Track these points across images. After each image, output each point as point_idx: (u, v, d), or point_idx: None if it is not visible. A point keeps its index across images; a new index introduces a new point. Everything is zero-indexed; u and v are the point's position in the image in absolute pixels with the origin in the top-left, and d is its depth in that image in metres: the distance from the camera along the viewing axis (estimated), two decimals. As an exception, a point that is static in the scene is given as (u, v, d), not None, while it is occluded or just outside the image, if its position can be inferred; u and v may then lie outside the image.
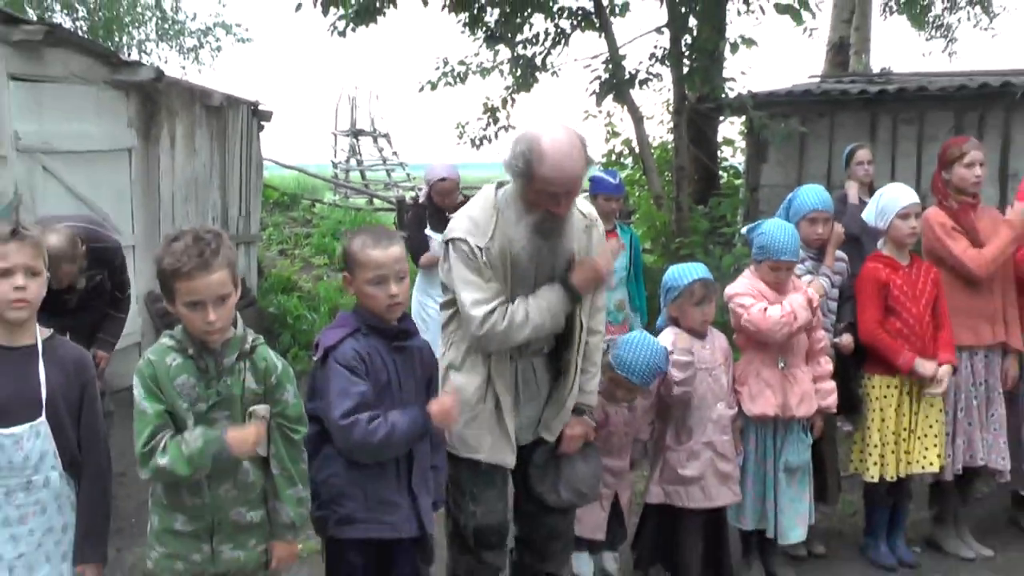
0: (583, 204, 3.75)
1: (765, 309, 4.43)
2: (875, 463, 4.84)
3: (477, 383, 3.59)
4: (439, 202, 6.84)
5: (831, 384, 4.69)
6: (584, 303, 3.68)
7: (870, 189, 6.68)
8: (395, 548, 3.40)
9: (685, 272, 4.43)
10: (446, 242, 3.57)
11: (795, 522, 4.64)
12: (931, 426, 4.81)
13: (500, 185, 3.61)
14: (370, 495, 3.30)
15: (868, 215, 4.98)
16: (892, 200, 4.86)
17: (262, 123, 10.67)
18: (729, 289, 4.64)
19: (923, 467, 4.81)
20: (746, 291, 4.55)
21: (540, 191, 3.39)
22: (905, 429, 4.83)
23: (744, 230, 4.82)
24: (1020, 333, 5.11)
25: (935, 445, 4.80)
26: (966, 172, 4.95)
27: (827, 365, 4.72)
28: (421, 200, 7.23)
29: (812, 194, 4.97)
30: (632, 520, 4.79)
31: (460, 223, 3.54)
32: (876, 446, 4.84)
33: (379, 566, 3.43)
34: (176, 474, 2.85)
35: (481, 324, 3.44)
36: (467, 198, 7.23)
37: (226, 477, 2.99)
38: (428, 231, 6.87)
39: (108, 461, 3.11)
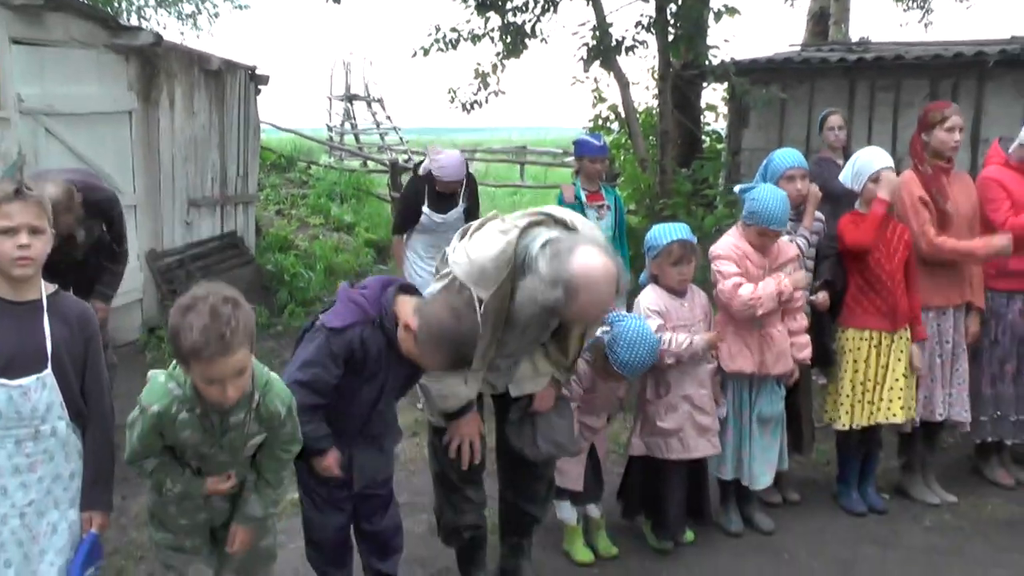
0: None
1: (739, 285, 4.46)
2: (846, 412, 4.94)
3: None
4: (440, 189, 6.66)
5: (806, 338, 4.76)
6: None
7: (844, 153, 6.71)
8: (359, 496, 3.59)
9: (665, 232, 4.43)
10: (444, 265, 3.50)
11: (764, 469, 4.76)
12: (898, 379, 4.89)
13: (522, 233, 3.32)
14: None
15: (844, 177, 5.02)
16: (866, 163, 4.91)
17: (259, 87, 10.57)
18: (714, 248, 4.66)
19: (887, 417, 4.90)
20: (729, 253, 4.56)
21: (564, 320, 3.39)
22: (871, 380, 4.92)
23: (737, 189, 4.82)
24: (982, 291, 5.20)
25: (900, 397, 4.89)
26: (946, 136, 4.98)
27: (802, 321, 4.78)
28: (422, 173, 6.81)
29: (787, 154, 5.04)
30: (616, 471, 4.86)
31: (470, 270, 3.32)
32: (848, 396, 4.94)
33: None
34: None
35: None
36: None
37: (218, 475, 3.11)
38: (425, 208, 6.69)
39: (112, 412, 3.13)
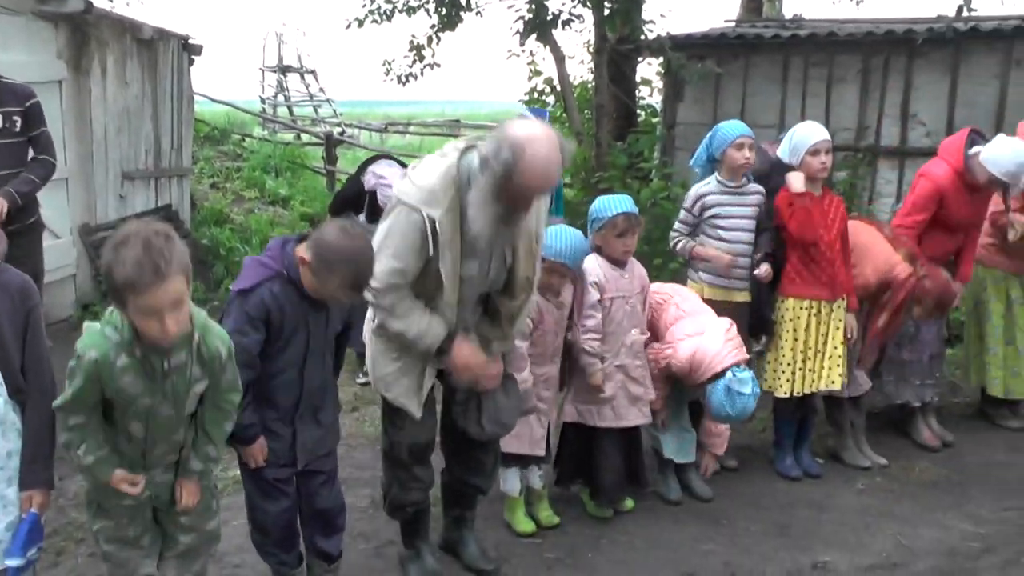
0: None
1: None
2: (788, 380, 5.04)
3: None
4: (381, 203, 6.04)
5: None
6: (520, 266, 3.62)
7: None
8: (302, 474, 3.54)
9: (611, 204, 4.45)
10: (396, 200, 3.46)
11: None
12: (836, 347, 4.99)
13: (463, 153, 3.40)
14: (266, 421, 3.39)
15: (782, 151, 5.06)
16: (803, 138, 4.95)
17: (192, 57, 10.34)
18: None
19: (827, 385, 5.00)
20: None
21: (515, 193, 3.31)
22: (812, 348, 5.01)
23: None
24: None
25: (838, 365, 4.99)
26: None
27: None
28: (367, 188, 6.30)
29: (734, 125, 5.07)
30: (552, 440, 4.88)
31: (416, 191, 3.36)
32: (788, 364, 5.03)
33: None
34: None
35: (383, 293, 3.44)
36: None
37: (161, 439, 2.96)
38: (361, 217, 6.30)
39: (53, 388, 3.01)
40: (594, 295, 4.41)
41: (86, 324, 2.87)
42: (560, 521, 4.57)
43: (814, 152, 4.89)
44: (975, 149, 5.24)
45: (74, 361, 2.75)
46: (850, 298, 5.06)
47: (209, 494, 3.20)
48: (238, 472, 4.84)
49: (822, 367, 5.01)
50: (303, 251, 3.19)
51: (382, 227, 3.46)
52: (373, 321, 3.65)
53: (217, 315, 3.18)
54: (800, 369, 5.02)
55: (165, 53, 9.70)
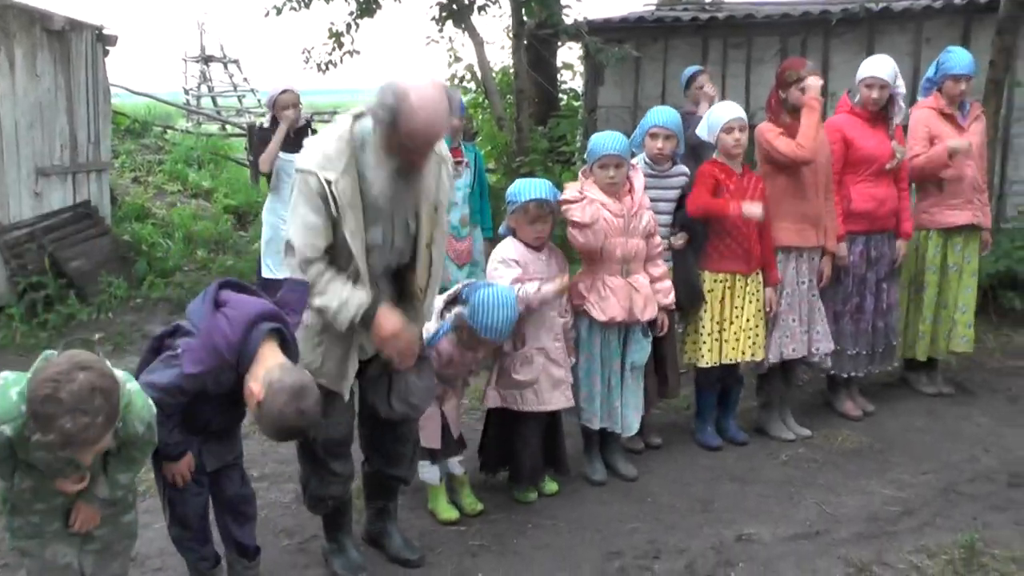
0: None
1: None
2: (708, 350, 5.08)
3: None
4: (282, 117, 6.64)
5: (668, 284, 4.81)
6: (422, 233, 3.57)
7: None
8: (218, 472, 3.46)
9: (524, 190, 4.38)
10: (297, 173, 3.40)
11: (634, 415, 4.82)
12: (748, 320, 5.05)
13: (356, 118, 3.41)
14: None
15: (700, 131, 5.10)
16: (717, 117, 5.03)
17: (107, 48, 10.01)
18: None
19: (740, 356, 5.07)
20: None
21: (404, 143, 3.26)
22: (727, 319, 5.07)
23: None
24: (835, 236, 5.36)
25: (749, 337, 5.07)
26: (800, 96, 5.08)
27: (663, 267, 4.82)
28: (267, 125, 7.04)
29: (656, 112, 5.09)
30: (477, 428, 4.86)
31: (311, 156, 3.36)
32: (708, 335, 5.07)
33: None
34: None
35: (303, 267, 3.37)
36: (309, 124, 7.07)
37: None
38: (281, 154, 6.61)
39: None
40: (513, 271, 4.33)
41: (1, 377, 2.71)
42: (485, 508, 4.49)
43: (728, 130, 4.94)
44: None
45: None
46: (769, 272, 5.10)
47: (125, 490, 3.08)
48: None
49: (738, 339, 5.05)
50: (257, 379, 2.99)
51: (291, 197, 3.44)
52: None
53: (141, 312, 3.05)
54: (718, 340, 5.07)
55: (78, 44, 9.36)
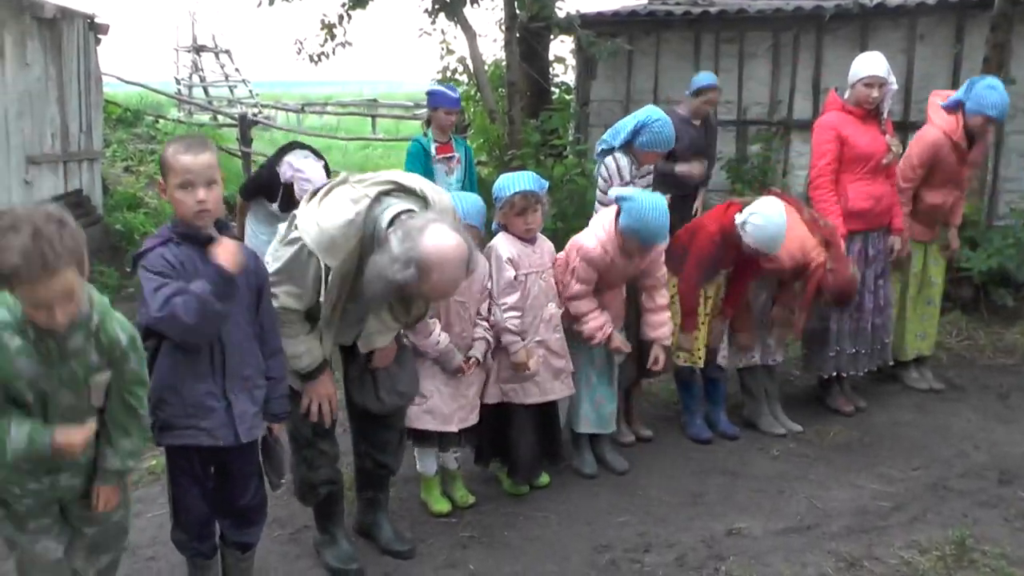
0: None
1: (593, 312, 4.56)
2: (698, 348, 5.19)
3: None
4: (297, 196, 5.78)
5: (664, 316, 4.80)
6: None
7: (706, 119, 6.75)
8: (229, 453, 3.27)
9: (509, 183, 4.36)
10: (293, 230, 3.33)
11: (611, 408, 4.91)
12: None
13: (372, 204, 3.23)
14: (187, 399, 3.14)
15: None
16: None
17: (99, 37, 9.96)
18: (582, 242, 4.58)
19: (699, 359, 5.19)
20: (594, 259, 4.52)
21: (412, 295, 3.29)
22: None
23: (613, 194, 4.68)
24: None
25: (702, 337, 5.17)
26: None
27: (665, 297, 4.83)
28: (283, 180, 6.11)
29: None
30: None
31: (318, 236, 3.22)
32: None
33: (219, 467, 3.35)
34: None
35: (280, 311, 3.38)
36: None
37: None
38: (274, 207, 6.34)
39: None
40: (509, 272, 4.31)
41: None
42: (476, 500, 4.49)
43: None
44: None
45: None
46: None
47: (133, 458, 3.01)
48: (151, 464, 4.71)
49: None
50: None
51: (282, 254, 3.35)
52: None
53: (132, 302, 3.00)
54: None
55: (69, 33, 9.32)
